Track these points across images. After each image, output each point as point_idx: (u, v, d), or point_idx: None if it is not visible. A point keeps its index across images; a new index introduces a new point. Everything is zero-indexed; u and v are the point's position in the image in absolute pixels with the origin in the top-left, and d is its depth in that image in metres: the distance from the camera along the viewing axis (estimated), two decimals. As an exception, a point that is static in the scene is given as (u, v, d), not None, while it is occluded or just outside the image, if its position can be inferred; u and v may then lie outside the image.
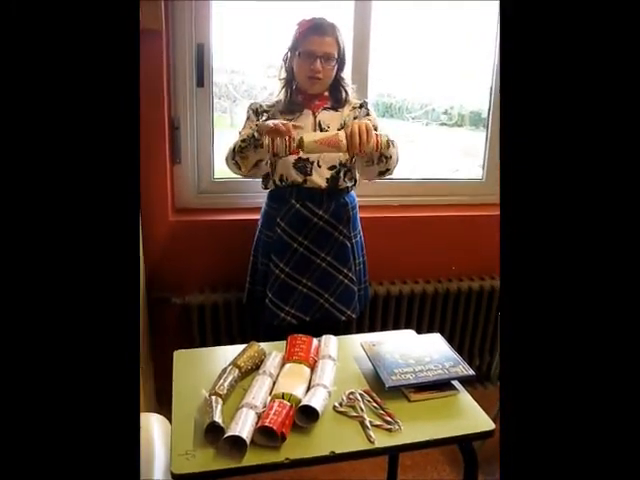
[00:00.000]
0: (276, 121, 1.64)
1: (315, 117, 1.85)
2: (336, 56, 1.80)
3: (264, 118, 1.83)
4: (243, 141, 1.73)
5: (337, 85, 1.87)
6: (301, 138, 1.61)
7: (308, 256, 1.88)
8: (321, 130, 1.83)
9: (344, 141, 1.61)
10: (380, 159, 1.75)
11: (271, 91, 1.95)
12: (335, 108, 1.87)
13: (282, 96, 1.86)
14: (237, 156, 1.74)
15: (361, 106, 1.90)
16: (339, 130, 1.72)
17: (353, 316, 1.96)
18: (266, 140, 1.61)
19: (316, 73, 1.78)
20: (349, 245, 1.92)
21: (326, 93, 1.87)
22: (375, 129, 1.67)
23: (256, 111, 1.87)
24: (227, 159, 1.81)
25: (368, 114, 1.90)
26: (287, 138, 1.59)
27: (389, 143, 1.69)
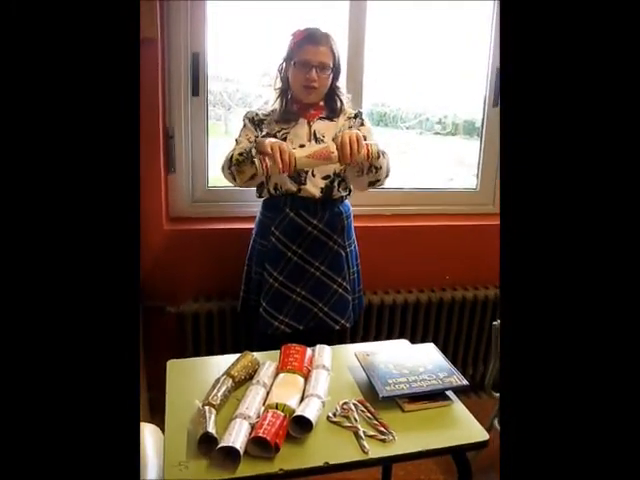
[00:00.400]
0: (273, 140, 1.64)
1: (310, 126, 1.85)
2: (331, 65, 1.81)
3: (264, 133, 1.83)
4: (240, 154, 1.70)
5: (332, 94, 1.88)
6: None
7: (302, 265, 1.88)
8: (316, 140, 1.83)
9: (335, 152, 1.60)
10: (370, 169, 1.75)
11: (266, 99, 1.95)
12: (330, 118, 1.88)
13: (277, 105, 1.86)
14: (233, 167, 1.73)
15: (356, 116, 1.91)
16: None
17: (347, 325, 1.96)
18: (257, 162, 1.60)
19: (311, 82, 1.78)
20: (343, 254, 1.92)
21: (321, 103, 1.88)
22: (365, 138, 1.67)
23: (252, 120, 1.87)
24: (223, 168, 1.80)
25: (362, 124, 1.90)
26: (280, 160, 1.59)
27: (379, 154, 1.69)
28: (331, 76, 1.83)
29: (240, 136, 1.87)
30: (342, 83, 1.94)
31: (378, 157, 1.69)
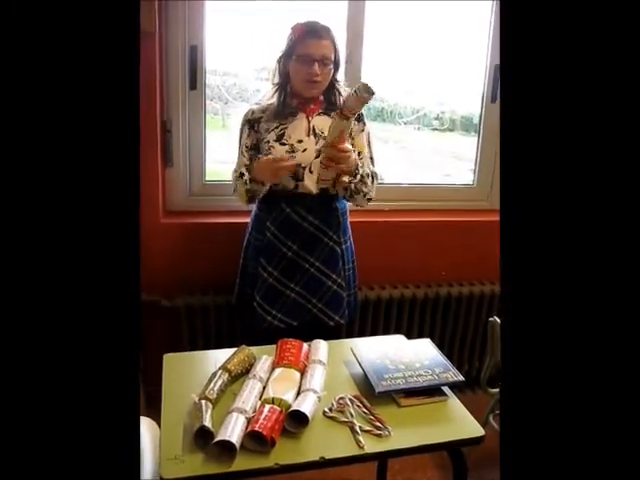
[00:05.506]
0: (262, 161, 1.80)
1: (309, 121, 1.85)
2: (333, 59, 1.79)
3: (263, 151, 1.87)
4: (247, 191, 1.87)
5: (332, 88, 1.87)
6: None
7: (297, 261, 1.87)
8: (315, 135, 1.83)
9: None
10: (354, 191, 1.85)
11: (264, 93, 1.94)
12: (329, 113, 1.87)
13: (275, 100, 1.85)
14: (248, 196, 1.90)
15: (358, 118, 1.90)
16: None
17: (341, 322, 1.96)
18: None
19: (314, 76, 1.77)
20: (339, 251, 1.92)
21: (321, 97, 1.87)
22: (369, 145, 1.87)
23: (249, 122, 1.88)
24: (234, 191, 1.94)
25: (363, 129, 1.92)
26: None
27: (363, 176, 1.83)
28: (332, 70, 1.82)
29: (241, 145, 1.90)
30: (341, 76, 1.94)
31: (361, 181, 1.83)
